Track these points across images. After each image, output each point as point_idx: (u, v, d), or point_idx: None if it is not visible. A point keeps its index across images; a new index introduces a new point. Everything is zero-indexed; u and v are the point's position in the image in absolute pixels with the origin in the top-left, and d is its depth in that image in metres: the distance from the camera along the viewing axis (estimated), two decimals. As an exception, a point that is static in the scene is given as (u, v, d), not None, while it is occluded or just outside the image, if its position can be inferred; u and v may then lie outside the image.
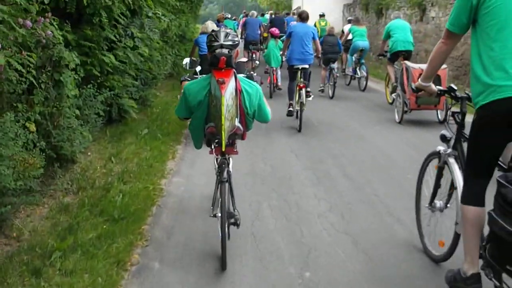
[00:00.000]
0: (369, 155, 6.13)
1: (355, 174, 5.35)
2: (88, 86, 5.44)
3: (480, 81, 2.51)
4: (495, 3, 2.45)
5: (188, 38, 14.97)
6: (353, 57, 11.52)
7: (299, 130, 7.38)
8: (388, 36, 9.03)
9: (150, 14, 7.88)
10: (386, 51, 9.37)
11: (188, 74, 7.28)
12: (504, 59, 2.41)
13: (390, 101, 9.35)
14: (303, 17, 8.04)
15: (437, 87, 3.12)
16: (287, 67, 8.02)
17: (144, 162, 5.50)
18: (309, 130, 7.47)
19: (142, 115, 7.75)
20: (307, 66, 7.74)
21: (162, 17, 8.58)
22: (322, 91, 10.66)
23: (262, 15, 21.79)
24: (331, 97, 10.23)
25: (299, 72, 7.71)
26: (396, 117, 7.94)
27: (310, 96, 7.93)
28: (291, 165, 5.76)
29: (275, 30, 10.50)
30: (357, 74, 11.52)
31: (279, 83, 10.39)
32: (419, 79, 3.09)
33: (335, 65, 10.25)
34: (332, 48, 10.45)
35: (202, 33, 7.42)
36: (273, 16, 17.46)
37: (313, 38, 7.89)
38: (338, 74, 10.26)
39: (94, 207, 4.18)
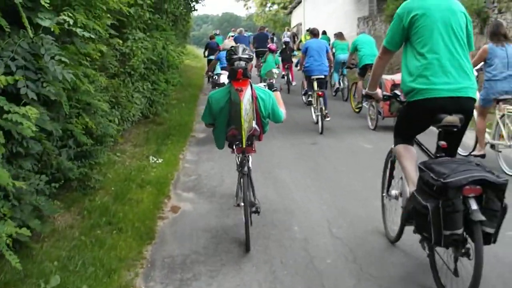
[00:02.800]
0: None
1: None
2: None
3: (407, 84, 3.22)
4: (421, 25, 3.17)
5: (172, 64, 10.05)
6: (338, 69, 12.21)
7: (321, 133, 8.16)
8: (355, 50, 9.82)
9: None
10: (353, 64, 10.27)
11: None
12: (426, 69, 3.12)
13: (357, 110, 10.10)
14: (315, 33, 9.45)
15: (383, 92, 3.72)
16: (305, 77, 9.20)
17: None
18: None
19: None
20: (323, 76, 8.75)
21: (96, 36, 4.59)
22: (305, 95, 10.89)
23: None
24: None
25: (315, 82, 8.65)
26: (370, 124, 8.59)
27: (328, 117, 8.40)
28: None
29: (272, 45, 12.38)
30: (341, 85, 12.33)
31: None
32: (367, 88, 3.72)
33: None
34: None
35: (223, 49, 8.84)
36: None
37: (327, 51, 9.03)
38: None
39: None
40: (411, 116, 3.36)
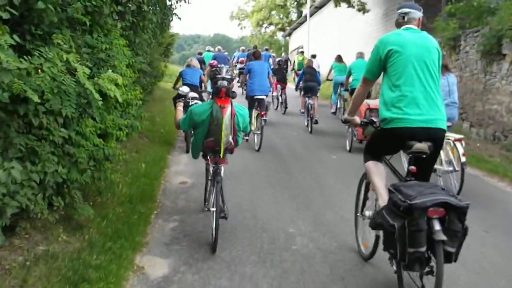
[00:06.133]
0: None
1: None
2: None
3: (382, 113, 3.42)
4: (396, 59, 3.37)
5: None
6: (336, 90, 13.07)
7: (258, 150, 8.52)
8: (349, 74, 10.65)
9: None
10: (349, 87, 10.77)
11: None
12: (400, 100, 3.32)
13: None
14: (256, 56, 10.03)
15: (361, 119, 3.91)
16: (246, 97, 9.41)
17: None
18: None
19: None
20: (264, 96, 9.11)
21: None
22: (302, 113, 11.61)
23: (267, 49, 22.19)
24: (310, 132, 10.80)
25: (256, 102, 8.98)
26: (347, 146, 8.91)
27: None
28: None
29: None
30: (338, 105, 13.12)
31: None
32: (345, 114, 3.99)
33: (311, 101, 10.91)
34: (311, 77, 11.49)
35: (187, 66, 9.10)
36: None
37: (268, 73, 9.47)
38: (316, 116, 10.85)
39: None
40: (383, 140, 3.56)
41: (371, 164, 3.64)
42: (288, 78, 15.80)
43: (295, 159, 8.13)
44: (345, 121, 3.97)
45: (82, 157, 4.11)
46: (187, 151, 8.20)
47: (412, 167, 3.33)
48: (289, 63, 20.17)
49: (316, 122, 10.78)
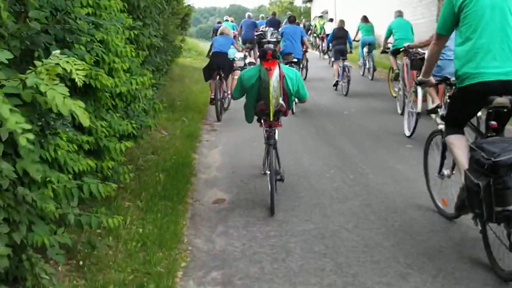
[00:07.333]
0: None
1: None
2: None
3: (457, 69, 3.28)
4: (470, 10, 3.19)
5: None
6: (364, 51, 12.86)
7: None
8: (390, 34, 9.91)
9: None
10: (388, 48, 10.03)
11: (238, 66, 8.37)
12: (475, 53, 3.16)
13: (394, 94, 9.61)
14: (291, 20, 10.39)
15: (435, 77, 3.90)
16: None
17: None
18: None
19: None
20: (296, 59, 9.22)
21: None
22: (336, 85, 10.94)
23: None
24: (345, 95, 10.41)
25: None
26: (398, 109, 8.27)
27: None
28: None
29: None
30: (366, 65, 13.06)
31: None
32: (421, 75, 3.82)
33: (347, 63, 10.49)
34: (341, 40, 11.07)
35: (220, 34, 8.84)
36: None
37: (302, 37, 9.82)
38: (350, 73, 10.39)
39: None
40: (462, 101, 3.39)
41: (452, 139, 3.45)
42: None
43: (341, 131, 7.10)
44: (420, 83, 3.92)
45: (49, 209, 2.30)
46: (218, 120, 8.18)
47: (493, 123, 3.19)
48: (312, 28, 21.24)
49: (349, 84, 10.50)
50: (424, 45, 6.85)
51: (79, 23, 2.88)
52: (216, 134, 7.39)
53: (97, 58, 3.13)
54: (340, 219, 3.92)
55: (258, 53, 4.51)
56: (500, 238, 2.97)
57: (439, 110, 6.57)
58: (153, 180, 4.82)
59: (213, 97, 8.25)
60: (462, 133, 3.49)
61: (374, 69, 12.60)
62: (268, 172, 4.16)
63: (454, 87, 3.57)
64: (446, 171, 3.80)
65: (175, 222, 3.85)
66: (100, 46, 3.11)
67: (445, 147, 3.77)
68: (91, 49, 3.06)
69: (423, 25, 13.12)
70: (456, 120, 3.51)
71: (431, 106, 6.50)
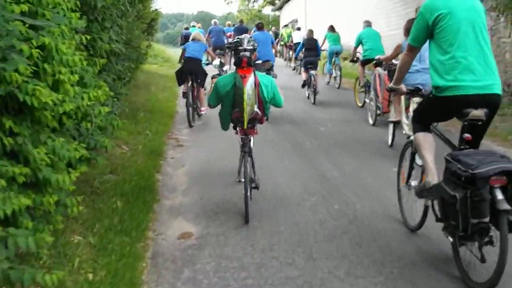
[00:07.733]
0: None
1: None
2: None
3: (435, 80, 3.28)
4: (446, 24, 3.24)
5: None
6: (331, 60, 13.24)
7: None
8: (359, 43, 10.06)
9: None
10: (357, 58, 10.32)
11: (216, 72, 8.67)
12: (454, 67, 3.19)
13: (360, 104, 10.05)
14: (259, 27, 10.51)
15: (406, 86, 3.96)
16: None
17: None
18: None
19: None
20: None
21: None
22: (304, 86, 11.19)
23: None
24: (313, 103, 10.53)
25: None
26: (370, 120, 8.40)
27: None
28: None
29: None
30: (333, 73, 13.31)
31: None
32: (391, 83, 3.91)
33: (313, 72, 10.60)
34: (311, 51, 11.17)
35: (192, 39, 8.83)
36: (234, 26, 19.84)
37: (272, 42, 10.06)
38: (316, 82, 10.61)
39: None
40: (436, 108, 3.40)
41: (421, 136, 3.47)
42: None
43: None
44: (390, 90, 3.96)
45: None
46: (190, 125, 8.05)
47: (467, 135, 3.19)
48: (279, 37, 21.35)
49: (317, 93, 10.67)
50: (392, 57, 6.96)
51: (11, 24, 2.23)
52: (182, 150, 6.73)
53: (37, 68, 2.48)
54: (328, 264, 3.33)
55: (231, 60, 4.59)
56: (471, 250, 3.00)
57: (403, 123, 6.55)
58: (109, 208, 4.16)
59: (185, 91, 8.22)
60: (430, 131, 3.54)
61: (341, 78, 12.98)
62: (243, 180, 4.17)
63: (424, 97, 3.72)
64: (413, 182, 3.78)
65: (132, 266, 3.21)
66: (40, 54, 2.46)
67: (413, 158, 3.82)
68: (28, 57, 2.41)
69: (398, 37, 12.84)
70: (425, 121, 3.55)
71: (392, 118, 6.67)
